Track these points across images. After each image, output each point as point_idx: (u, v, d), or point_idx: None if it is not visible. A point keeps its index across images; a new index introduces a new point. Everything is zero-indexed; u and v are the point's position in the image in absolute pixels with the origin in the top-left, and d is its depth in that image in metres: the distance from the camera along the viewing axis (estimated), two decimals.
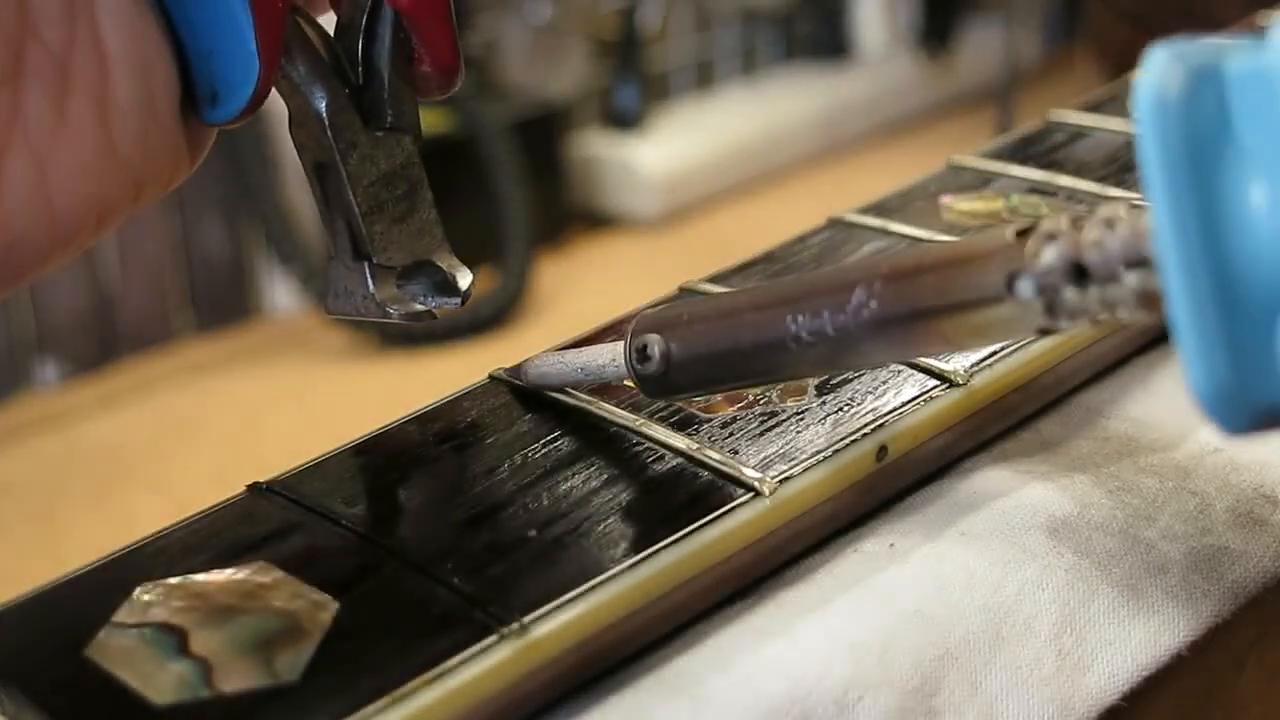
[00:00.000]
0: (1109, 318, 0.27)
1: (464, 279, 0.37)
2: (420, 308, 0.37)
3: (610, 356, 0.35)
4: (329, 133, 0.35)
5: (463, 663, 0.28)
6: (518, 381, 0.37)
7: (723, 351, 0.33)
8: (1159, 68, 0.24)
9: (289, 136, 0.36)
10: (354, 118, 0.36)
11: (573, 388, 0.36)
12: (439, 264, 0.37)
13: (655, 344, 0.33)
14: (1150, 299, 0.26)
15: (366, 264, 0.36)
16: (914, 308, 0.29)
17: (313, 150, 0.36)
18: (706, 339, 0.33)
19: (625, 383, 0.36)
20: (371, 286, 0.36)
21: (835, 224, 0.45)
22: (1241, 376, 0.24)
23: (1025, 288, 0.27)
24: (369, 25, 0.36)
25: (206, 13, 0.33)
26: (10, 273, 0.31)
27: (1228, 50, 0.25)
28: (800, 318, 0.31)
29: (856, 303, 0.30)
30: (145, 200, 0.34)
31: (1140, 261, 0.25)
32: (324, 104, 0.35)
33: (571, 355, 0.36)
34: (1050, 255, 0.27)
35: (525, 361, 0.37)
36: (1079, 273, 0.26)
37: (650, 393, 0.34)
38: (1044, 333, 0.28)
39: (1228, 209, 0.24)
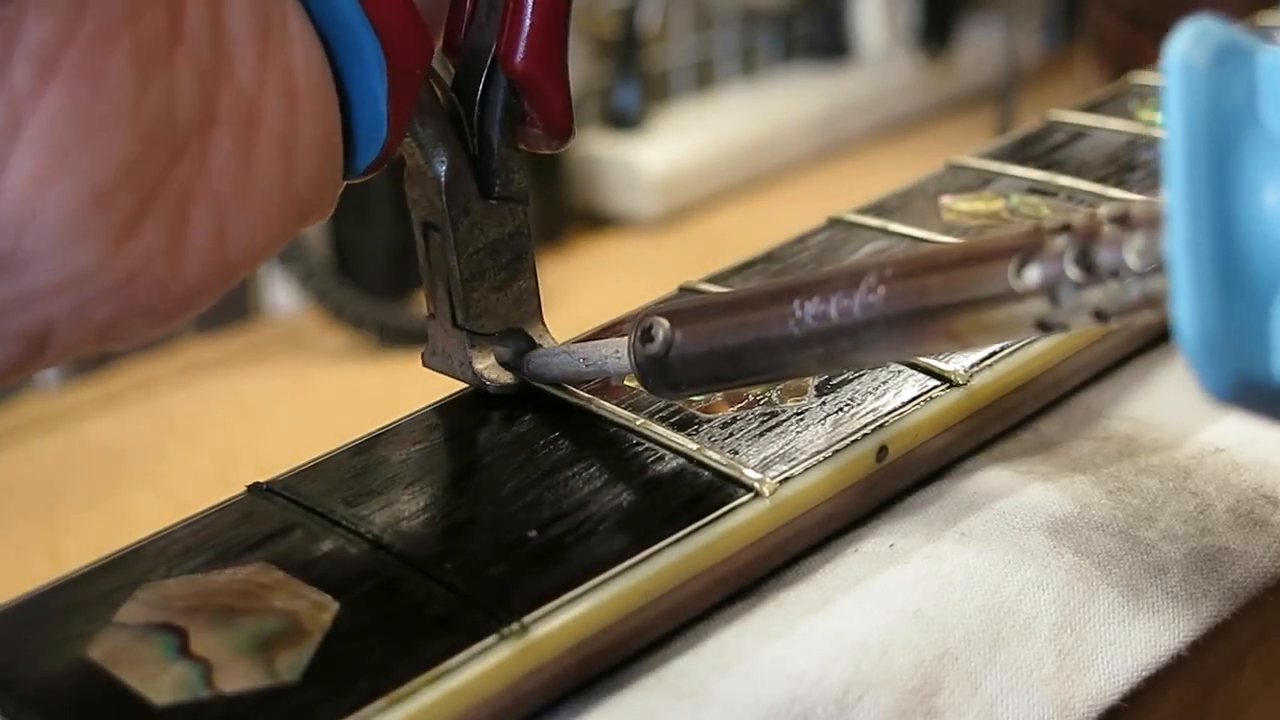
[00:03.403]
0: (1113, 312, 0.27)
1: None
2: (516, 380, 0.37)
3: (614, 349, 0.35)
4: (443, 196, 0.35)
5: (463, 663, 0.28)
6: (520, 375, 0.37)
7: (727, 336, 0.32)
8: (1189, 36, 0.24)
9: None
10: (471, 185, 0.35)
11: (573, 381, 0.36)
12: (529, 333, 0.37)
13: (660, 326, 0.33)
14: (1157, 298, 0.26)
15: (466, 332, 0.36)
16: (922, 300, 0.29)
17: (424, 209, 0.36)
18: (712, 324, 0.33)
19: (627, 382, 0.36)
20: (470, 355, 0.37)
21: (835, 224, 0.45)
22: (1230, 333, 0.24)
23: (1033, 274, 0.27)
24: (484, 91, 0.35)
25: (347, 66, 0.32)
26: (177, 318, 0.30)
27: (1257, 42, 0.25)
28: (806, 303, 0.31)
29: (864, 288, 0.30)
30: (300, 231, 0.32)
31: (1151, 259, 0.25)
32: (443, 168, 0.35)
33: (576, 347, 0.36)
34: (1061, 243, 0.27)
35: (529, 354, 0.37)
36: (1089, 265, 0.26)
37: (652, 387, 0.34)
38: (1044, 328, 0.28)
39: (1243, 181, 0.24)
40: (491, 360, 0.37)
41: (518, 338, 0.37)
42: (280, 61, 0.30)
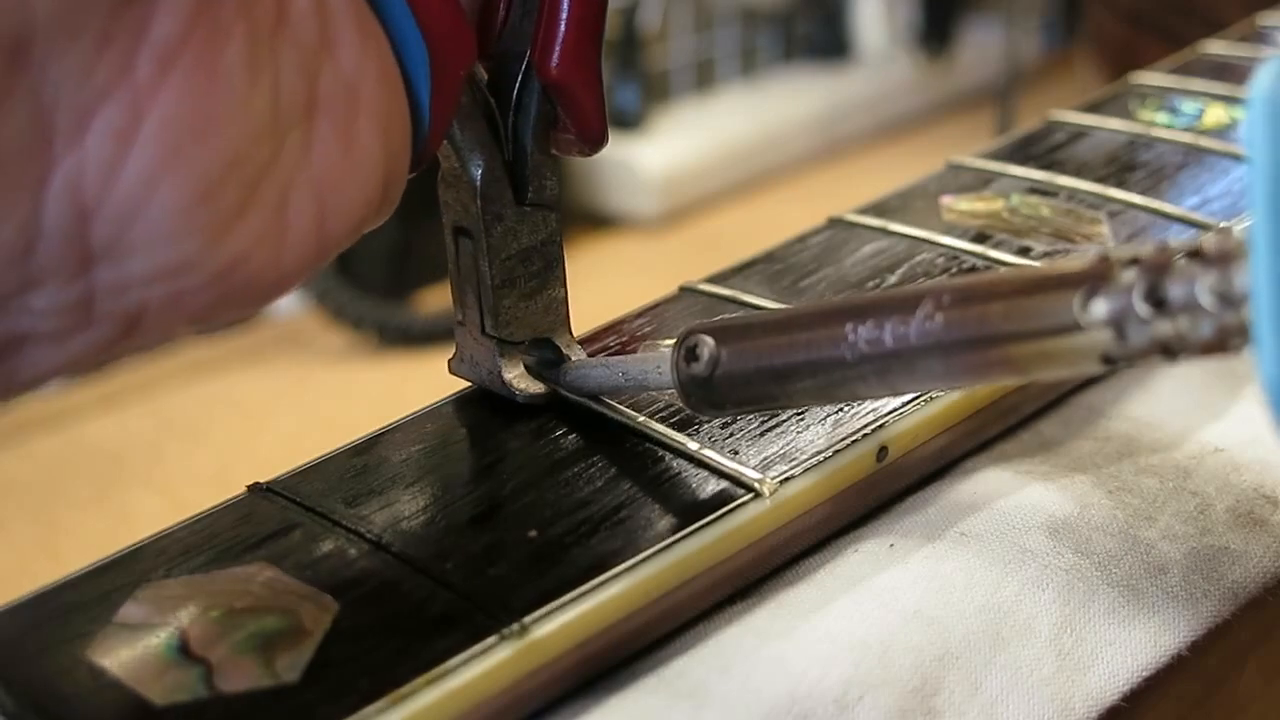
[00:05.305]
0: (1181, 349, 0.26)
1: (577, 358, 0.37)
2: (545, 389, 0.36)
3: (655, 363, 0.34)
4: (478, 201, 0.35)
5: (463, 663, 0.28)
6: (554, 385, 0.36)
7: (775, 357, 0.31)
8: (1274, 73, 0.24)
9: None
10: (506, 190, 0.35)
11: (611, 394, 0.36)
12: (556, 342, 0.37)
13: (706, 345, 0.32)
14: (1226, 336, 0.25)
15: (495, 340, 0.36)
16: (982, 328, 0.28)
17: (457, 213, 0.35)
18: (759, 343, 0.32)
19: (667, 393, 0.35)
20: (499, 364, 0.36)
21: (835, 224, 0.45)
22: None
23: (1099, 307, 0.26)
24: (518, 96, 0.35)
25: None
26: (270, 302, 0.29)
27: None
28: (860, 327, 0.30)
29: (921, 315, 0.29)
30: (386, 213, 0.32)
31: (1227, 296, 0.25)
32: (480, 172, 0.35)
33: (614, 361, 0.35)
34: (1130, 276, 0.26)
35: (564, 364, 0.36)
36: (1159, 300, 0.26)
37: (694, 405, 0.33)
38: (1109, 361, 0.27)
39: None
40: (520, 369, 0.36)
41: (545, 347, 0.36)
42: (376, 40, 0.30)
